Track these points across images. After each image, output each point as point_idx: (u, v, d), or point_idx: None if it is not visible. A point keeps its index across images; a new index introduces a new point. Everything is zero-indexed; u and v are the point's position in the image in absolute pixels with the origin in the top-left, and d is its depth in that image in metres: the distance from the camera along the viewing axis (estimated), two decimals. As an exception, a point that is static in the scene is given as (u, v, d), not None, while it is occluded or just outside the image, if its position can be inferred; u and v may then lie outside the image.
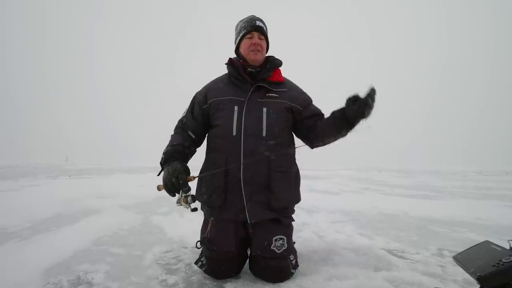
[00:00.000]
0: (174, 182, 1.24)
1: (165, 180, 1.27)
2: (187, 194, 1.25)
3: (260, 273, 1.43)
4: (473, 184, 8.45)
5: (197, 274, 1.48)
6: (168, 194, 1.29)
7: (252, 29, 1.50)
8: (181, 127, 1.56)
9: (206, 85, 1.60)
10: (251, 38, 1.50)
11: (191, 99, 1.61)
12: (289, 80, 1.62)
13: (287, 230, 1.47)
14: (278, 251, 1.38)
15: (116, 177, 8.72)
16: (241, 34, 1.52)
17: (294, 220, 1.54)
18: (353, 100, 1.23)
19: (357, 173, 13.81)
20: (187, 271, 1.52)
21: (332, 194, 5.24)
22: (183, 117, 1.58)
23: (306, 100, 1.56)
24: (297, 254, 1.53)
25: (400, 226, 2.67)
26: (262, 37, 1.53)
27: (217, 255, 1.39)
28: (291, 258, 1.43)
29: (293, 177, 1.51)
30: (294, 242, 1.56)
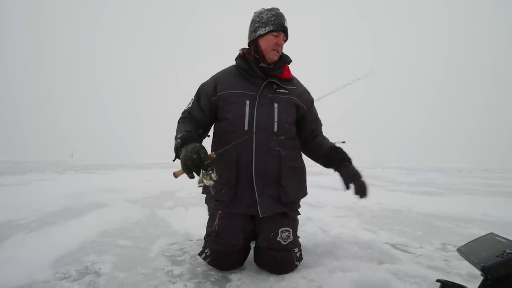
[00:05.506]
0: (195, 159, 1.14)
1: (184, 159, 1.16)
2: (209, 170, 1.17)
3: (265, 265, 1.44)
4: (479, 181, 8.37)
5: (202, 265, 1.50)
6: (187, 178, 1.20)
7: (282, 29, 1.44)
8: (188, 117, 1.50)
9: (214, 76, 1.56)
10: (277, 37, 1.44)
11: (196, 90, 1.56)
12: (296, 78, 1.63)
13: (293, 223, 1.49)
14: (284, 243, 1.41)
15: (121, 173, 8.81)
16: (268, 28, 1.43)
17: (300, 214, 1.56)
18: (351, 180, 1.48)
19: (362, 170, 13.75)
20: (192, 262, 1.54)
21: (337, 190, 5.23)
22: (188, 108, 1.53)
23: (310, 100, 1.60)
24: (302, 247, 1.54)
25: (404, 222, 2.66)
26: (286, 37, 1.49)
27: (223, 248, 1.41)
28: (295, 251, 1.46)
29: (301, 171, 1.53)
30: (299, 237, 1.58)
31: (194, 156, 1.14)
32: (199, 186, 1.20)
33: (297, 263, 1.45)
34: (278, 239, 1.40)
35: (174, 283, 1.29)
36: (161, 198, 3.81)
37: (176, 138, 1.34)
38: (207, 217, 1.55)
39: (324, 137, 1.63)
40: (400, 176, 10.22)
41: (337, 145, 1.58)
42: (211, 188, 1.22)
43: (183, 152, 1.20)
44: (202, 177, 1.17)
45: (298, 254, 1.47)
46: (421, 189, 5.89)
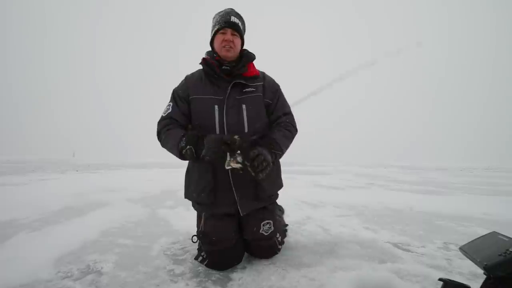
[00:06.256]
0: (224, 148, 1.25)
1: (214, 153, 1.26)
2: (236, 154, 1.26)
3: (254, 253, 1.59)
4: (480, 180, 8.35)
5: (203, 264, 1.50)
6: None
7: (226, 25, 1.49)
8: (173, 123, 1.50)
9: (184, 81, 1.58)
10: (224, 34, 1.50)
11: (171, 95, 1.57)
12: (264, 72, 1.65)
13: (273, 214, 1.60)
14: (266, 234, 1.52)
15: (122, 172, 8.82)
16: (215, 29, 1.52)
17: (277, 204, 1.72)
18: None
19: (363, 169, 13.74)
20: (193, 261, 1.54)
21: (337, 189, 5.23)
22: (168, 114, 1.51)
23: (275, 93, 1.61)
24: (303, 246, 1.56)
25: (405, 221, 2.66)
26: (236, 33, 1.52)
27: (217, 246, 1.43)
28: (277, 237, 1.61)
29: (275, 167, 1.57)
30: (287, 228, 1.58)
31: (223, 147, 1.24)
32: (227, 168, 1.27)
33: (279, 246, 1.63)
34: (261, 231, 1.51)
35: (175, 282, 1.30)
36: (162, 197, 3.81)
37: (181, 146, 1.34)
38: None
39: (279, 126, 1.55)
40: (401, 175, 10.21)
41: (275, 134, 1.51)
42: (239, 170, 1.28)
43: (208, 146, 1.27)
44: (230, 160, 1.25)
45: (279, 239, 1.63)
46: (422, 188, 5.88)
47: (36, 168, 9.79)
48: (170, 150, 1.44)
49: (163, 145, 1.50)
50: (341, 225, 2.40)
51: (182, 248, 1.76)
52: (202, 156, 1.30)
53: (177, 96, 1.54)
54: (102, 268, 1.44)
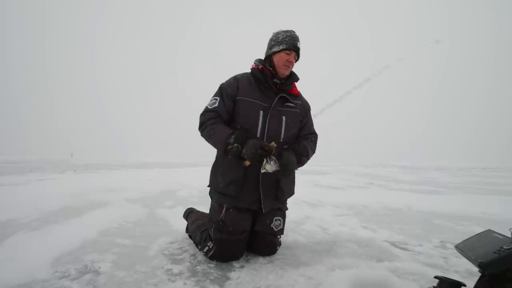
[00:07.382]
0: (261, 152, 1.39)
1: (251, 154, 1.40)
2: (272, 157, 1.42)
3: (255, 247, 1.65)
4: (478, 180, 8.37)
5: (202, 264, 1.51)
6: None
7: (293, 48, 1.63)
8: (217, 117, 1.59)
9: (236, 80, 1.66)
10: (288, 55, 1.62)
11: (219, 90, 1.65)
12: (301, 93, 1.80)
13: (284, 215, 1.75)
14: (275, 229, 1.66)
15: (122, 172, 8.80)
16: (281, 47, 1.62)
17: (288, 209, 1.81)
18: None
19: (363, 169, 13.75)
20: (191, 261, 1.55)
21: (337, 189, 5.24)
22: (214, 108, 1.60)
23: (307, 113, 1.79)
24: (301, 245, 1.60)
25: (404, 220, 2.67)
26: (297, 57, 1.68)
27: (232, 237, 1.53)
28: (278, 237, 1.72)
29: (291, 177, 1.76)
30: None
31: (259, 151, 1.39)
32: (263, 171, 1.44)
33: (277, 247, 1.71)
34: (271, 225, 1.64)
35: (173, 281, 1.30)
36: (161, 197, 3.81)
37: (229, 142, 1.45)
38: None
39: (306, 140, 1.73)
40: (401, 175, 10.23)
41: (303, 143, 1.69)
42: (272, 173, 1.44)
43: (248, 149, 1.41)
44: (265, 163, 1.41)
45: (280, 240, 1.74)
46: (421, 187, 5.89)
47: (35, 168, 9.78)
48: (213, 142, 1.56)
49: (204, 135, 1.60)
50: (340, 225, 2.40)
51: (180, 248, 1.76)
52: (242, 155, 1.43)
53: (224, 93, 1.63)
54: (100, 267, 1.43)
